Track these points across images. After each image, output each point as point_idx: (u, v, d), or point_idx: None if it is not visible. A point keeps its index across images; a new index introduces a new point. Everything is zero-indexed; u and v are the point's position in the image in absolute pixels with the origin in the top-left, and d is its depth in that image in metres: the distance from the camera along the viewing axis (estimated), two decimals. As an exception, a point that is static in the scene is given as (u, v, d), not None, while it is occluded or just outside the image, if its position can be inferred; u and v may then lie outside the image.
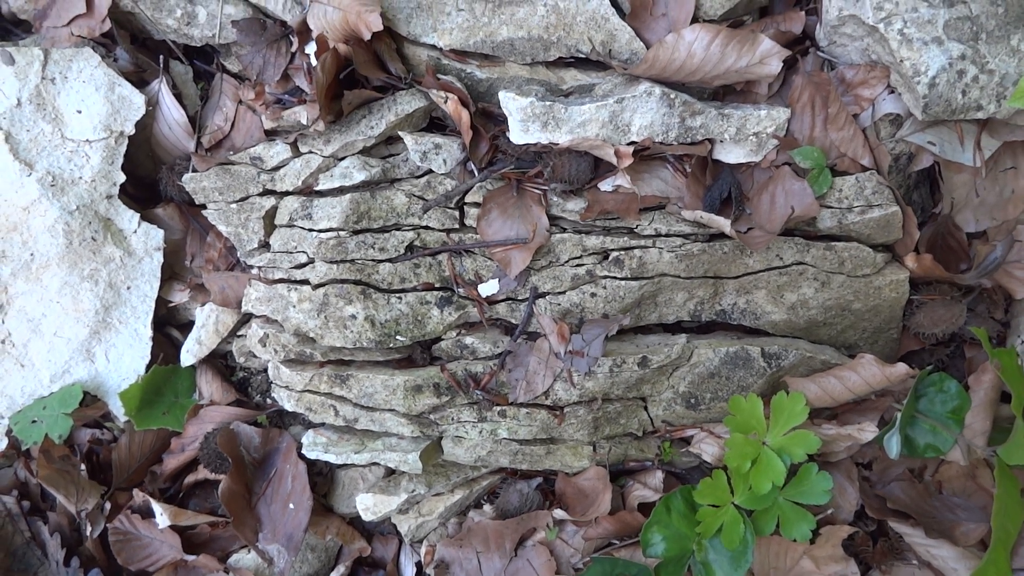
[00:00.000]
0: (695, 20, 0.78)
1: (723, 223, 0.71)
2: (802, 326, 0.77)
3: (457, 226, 0.79)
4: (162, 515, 0.84)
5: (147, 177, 0.94)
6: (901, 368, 0.69)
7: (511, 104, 0.73)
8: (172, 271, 0.92)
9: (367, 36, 0.75)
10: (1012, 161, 0.73)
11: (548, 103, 0.72)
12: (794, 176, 0.73)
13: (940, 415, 0.71)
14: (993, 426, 0.71)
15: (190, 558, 0.86)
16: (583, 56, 0.79)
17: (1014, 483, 0.65)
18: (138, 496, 0.88)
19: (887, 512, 0.75)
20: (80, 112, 0.86)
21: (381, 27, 0.73)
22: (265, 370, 0.90)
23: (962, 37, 0.68)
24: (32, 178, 0.85)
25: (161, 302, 0.91)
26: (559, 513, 0.78)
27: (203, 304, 0.90)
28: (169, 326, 0.94)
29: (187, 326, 0.93)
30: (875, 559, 0.75)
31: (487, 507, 0.82)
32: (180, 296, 0.91)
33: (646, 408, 0.78)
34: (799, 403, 0.69)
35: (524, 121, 0.73)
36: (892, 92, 0.73)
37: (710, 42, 0.71)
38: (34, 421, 0.87)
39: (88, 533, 0.88)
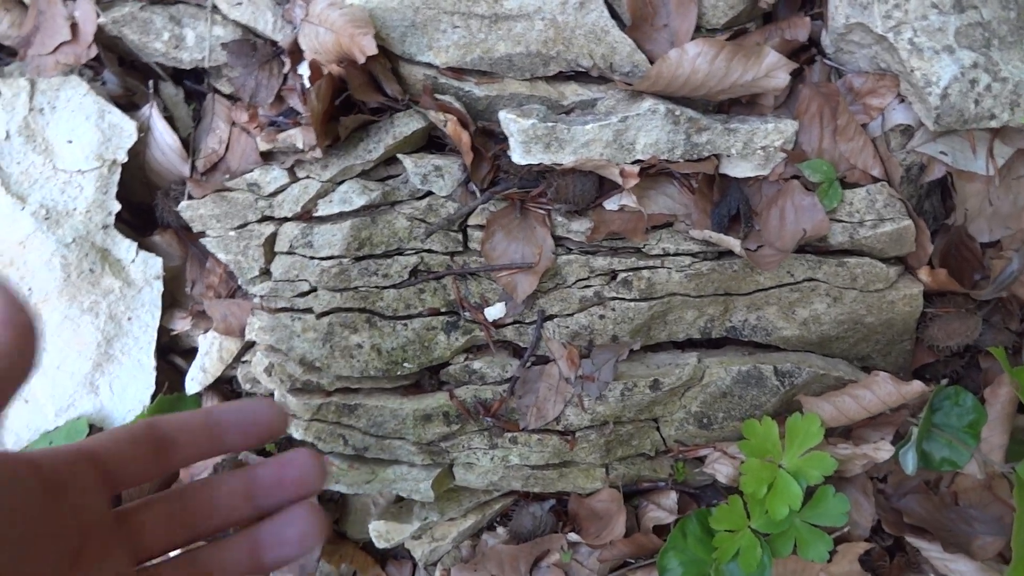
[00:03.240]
0: (698, 30, 0.76)
1: (733, 243, 0.69)
2: (814, 341, 0.76)
3: (461, 249, 0.77)
4: (174, 547, 0.84)
5: (142, 203, 0.92)
6: (916, 386, 0.68)
7: (512, 126, 0.71)
8: (173, 298, 0.91)
9: (361, 60, 0.73)
10: (1026, 168, 0.72)
11: (551, 124, 0.70)
12: (803, 191, 0.71)
13: (956, 429, 0.70)
14: (1011, 438, 0.71)
15: (204, 588, 0.85)
16: (583, 70, 0.77)
17: (1033, 500, 0.65)
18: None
19: (903, 527, 0.75)
20: (71, 142, 0.84)
21: (375, 51, 0.71)
22: (271, 395, 0.89)
23: (974, 44, 0.66)
24: (26, 212, 0.83)
25: (163, 330, 0.90)
26: (573, 536, 0.78)
27: (206, 331, 0.89)
28: (172, 353, 0.93)
29: (190, 352, 0.91)
30: (892, 574, 0.75)
31: (500, 529, 0.82)
32: (182, 324, 0.90)
33: (658, 429, 0.77)
34: (814, 424, 0.68)
35: (526, 143, 0.71)
36: (902, 101, 0.71)
37: (714, 57, 0.69)
38: (41, 456, 0.86)
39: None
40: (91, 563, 0.49)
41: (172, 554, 0.59)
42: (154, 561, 0.57)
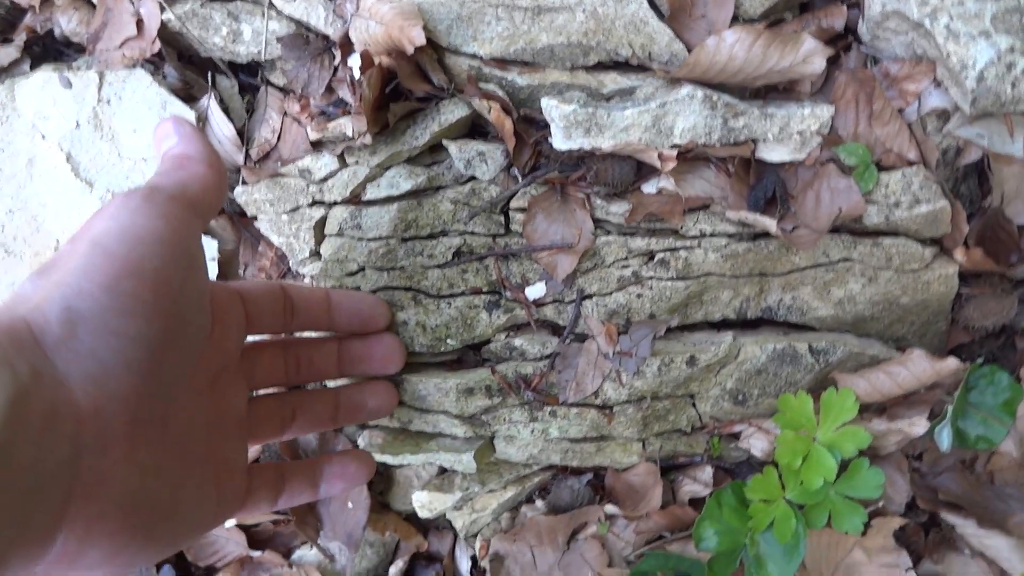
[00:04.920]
0: (735, 20, 0.78)
1: (769, 223, 0.71)
2: (849, 321, 0.78)
3: (503, 231, 0.80)
4: (229, 515, 0.88)
5: (199, 190, 0.97)
6: (951, 362, 0.70)
7: (554, 112, 0.74)
8: (226, 280, 0.96)
9: (410, 50, 0.76)
10: (1063, 151, 0.73)
11: (591, 110, 0.73)
12: (839, 173, 0.73)
13: (991, 407, 0.71)
14: (1045, 417, 0.71)
15: (255, 554, 0.90)
16: (623, 60, 0.80)
17: (1069, 475, 0.66)
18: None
19: (938, 503, 0.76)
20: (135, 131, 0.89)
21: (424, 41, 0.75)
22: (319, 373, 0.93)
23: (1010, 29, 0.68)
24: (94, 195, 0.88)
25: (218, 311, 0.94)
26: (610, 508, 0.80)
27: (258, 312, 0.93)
28: (226, 333, 0.98)
29: (243, 333, 0.96)
30: (927, 550, 0.76)
31: (539, 502, 0.85)
32: (236, 305, 0.94)
33: (694, 405, 0.79)
34: (849, 399, 0.69)
35: (567, 128, 0.74)
36: (938, 86, 0.72)
37: (752, 44, 0.71)
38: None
39: (159, 532, 0.93)
40: (224, 387, 0.58)
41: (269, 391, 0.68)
42: (257, 393, 0.67)
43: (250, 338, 0.65)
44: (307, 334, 0.76)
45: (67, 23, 0.98)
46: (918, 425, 0.70)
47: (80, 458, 0.38)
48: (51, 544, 0.37)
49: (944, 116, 0.73)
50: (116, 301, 0.40)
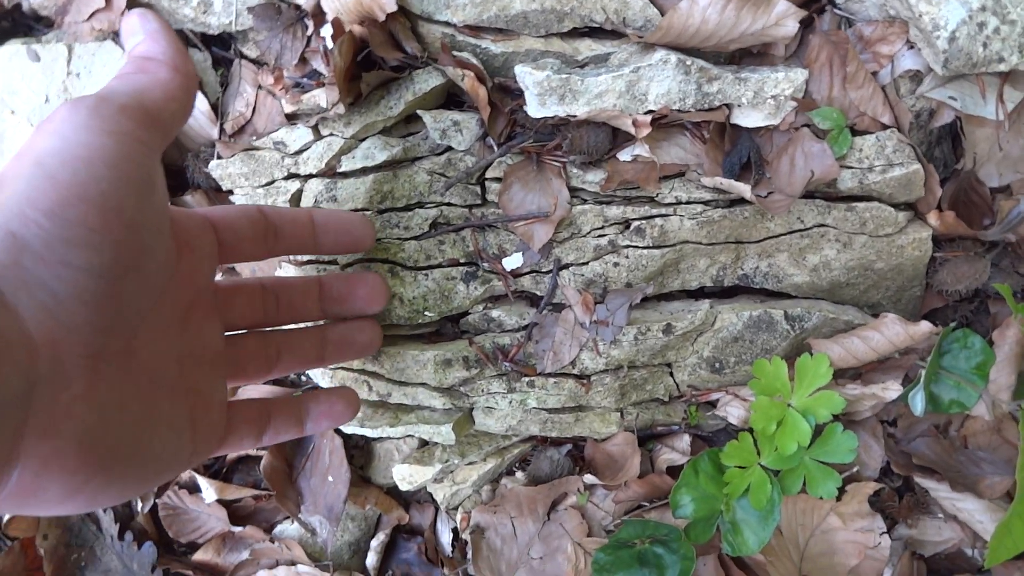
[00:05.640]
0: (710, -17, 0.77)
1: (743, 189, 0.71)
2: (825, 287, 0.78)
3: (479, 201, 0.80)
4: (208, 490, 0.88)
5: (173, 165, 0.96)
6: (924, 326, 0.70)
7: (528, 78, 0.73)
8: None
9: (382, 17, 0.75)
10: (1036, 113, 0.72)
11: (564, 76, 0.72)
12: (813, 138, 0.72)
13: (964, 371, 0.72)
14: (1018, 380, 0.72)
15: (237, 529, 0.90)
16: (597, 26, 0.79)
17: (1039, 435, 0.66)
18: (184, 473, 0.92)
19: (913, 468, 0.76)
20: (106, 105, 0.88)
21: (395, 8, 0.74)
22: (298, 349, 0.93)
23: (983, -12, 0.67)
24: (65, 172, 0.87)
25: (195, 287, 0.94)
26: (589, 478, 0.80)
27: (235, 288, 0.93)
28: (204, 310, 0.97)
29: (221, 309, 0.95)
30: (901, 514, 0.76)
31: (519, 474, 0.85)
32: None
33: (671, 373, 0.79)
34: (823, 364, 0.70)
35: (541, 95, 0.73)
36: (911, 48, 0.72)
37: (724, 6, 0.70)
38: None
39: (139, 508, 0.93)
40: (196, 321, 0.55)
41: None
42: (235, 332, 0.65)
43: (225, 279, 0.62)
44: (287, 276, 0.74)
45: (35, -3, 0.96)
46: (891, 389, 0.71)
47: (34, 391, 0.36)
48: (5, 478, 0.36)
49: (917, 78, 0.73)
50: (62, 230, 0.37)
